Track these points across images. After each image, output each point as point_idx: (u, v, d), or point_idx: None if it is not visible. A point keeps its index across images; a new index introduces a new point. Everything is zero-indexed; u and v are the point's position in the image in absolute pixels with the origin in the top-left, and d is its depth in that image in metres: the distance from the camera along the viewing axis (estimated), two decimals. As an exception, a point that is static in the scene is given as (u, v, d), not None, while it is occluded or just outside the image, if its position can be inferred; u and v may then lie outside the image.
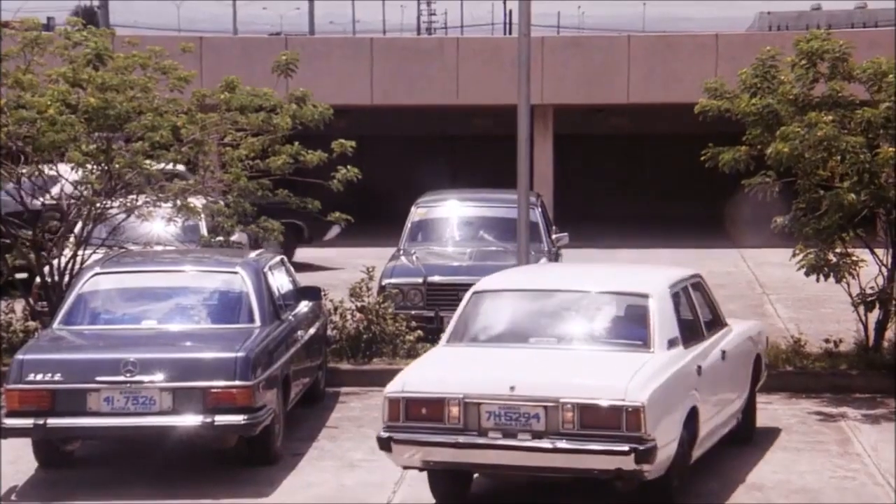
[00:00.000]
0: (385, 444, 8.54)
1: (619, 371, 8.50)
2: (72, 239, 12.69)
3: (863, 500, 9.21)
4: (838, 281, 12.23)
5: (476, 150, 25.12)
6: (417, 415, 8.45)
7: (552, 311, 9.23)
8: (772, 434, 10.72)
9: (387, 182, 22.41)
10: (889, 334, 12.59)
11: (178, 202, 12.57)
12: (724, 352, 9.62)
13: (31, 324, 12.45)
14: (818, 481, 9.57)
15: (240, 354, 9.47)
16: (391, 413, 8.52)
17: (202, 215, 13.12)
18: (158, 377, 9.33)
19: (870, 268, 12.41)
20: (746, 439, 10.28)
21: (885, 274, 12.43)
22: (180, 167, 13.21)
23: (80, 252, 12.51)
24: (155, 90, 12.72)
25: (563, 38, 25.92)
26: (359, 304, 12.76)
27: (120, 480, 9.66)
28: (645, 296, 9.08)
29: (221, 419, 9.27)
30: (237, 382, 9.34)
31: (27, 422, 9.32)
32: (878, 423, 11.17)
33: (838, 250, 12.18)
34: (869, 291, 12.35)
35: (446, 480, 8.90)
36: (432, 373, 8.79)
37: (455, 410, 8.35)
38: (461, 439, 8.36)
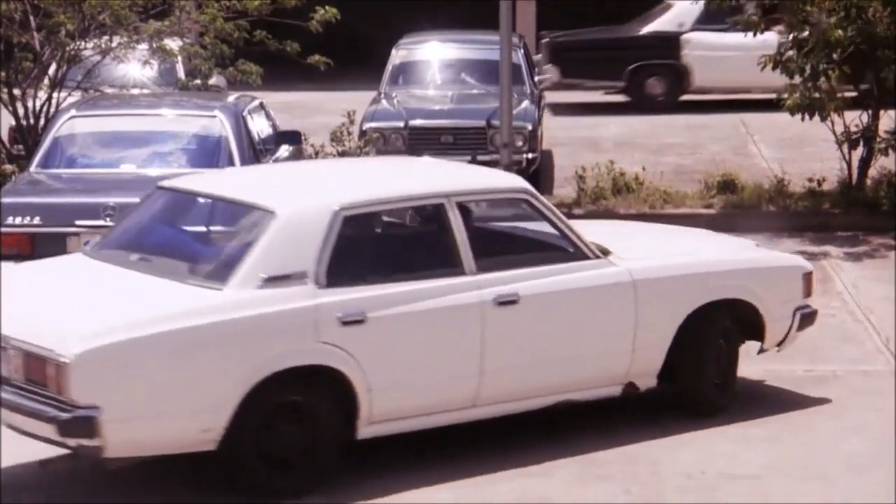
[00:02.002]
0: None
1: (106, 309, 6.59)
2: (46, 81, 12.53)
3: (842, 336, 9.27)
4: (823, 119, 12.18)
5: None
6: None
7: (180, 221, 7.48)
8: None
9: (367, 23, 22.08)
10: (872, 172, 12.60)
11: (154, 44, 12.39)
12: (515, 296, 7.08)
13: (8, 167, 12.35)
14: (799, 318, 9.62)
15: (220, 197, 9.40)
16: None
17: (179, 58, 12.95)
18: (138, 221, 9.27)
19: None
20: (704, 412, 7.65)
21: (870, 112, 12.38)
22: None
23: (54, 95, 12.35)
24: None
25: None
26: (340, 149, 12.67)
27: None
28: (268, 213, 6.83)
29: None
30: (218, 226, 9.28)
31: (7, 265, 9.28)
32: (859, 261, 11.24)
33: (824, 88, 12.11)
34: (853, 129, 12.31)
35: None
36: None
37: None
38: None
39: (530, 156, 13.46)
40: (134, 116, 10.67)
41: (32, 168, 10.13)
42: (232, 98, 11.19)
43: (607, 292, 7.39)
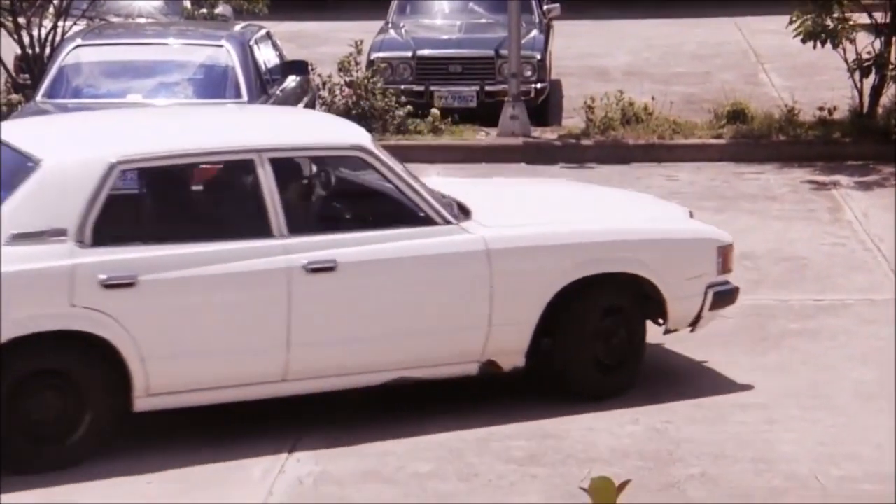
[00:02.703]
0: None
1: None
2: (51, 10, 12.45)
3: (852, 265, 9.25)
4: (835, 47, 12.06)
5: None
6: None
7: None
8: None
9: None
10: (884, 100, 12.50)
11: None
12: (331, 262, 6.41)
13: (14, 97, 12.31)
14: (808, 249, 9.60)
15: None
16: None
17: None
18: (145, 151, 9.21)
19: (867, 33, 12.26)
20: (585, 396, 6.86)
21: (883, 39, 12.26)
22: None
23: (60, 23, 12.28)
24: None
25: None
26: (347, 79, 12.60)
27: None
28: (35, 163, 6.29)
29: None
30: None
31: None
32: (869, 190, 11.18)
33: (835, 15, 11.98)
34: (865, 57, 12.20)
35: None
36: None
37: None
38: None
39: (539, 86, 13.40)
40: (140, 46, 10.61)
41: (38, 97, 10.09)
42: (238, 27, 11.13)
43: (453, 262, 6.61)
